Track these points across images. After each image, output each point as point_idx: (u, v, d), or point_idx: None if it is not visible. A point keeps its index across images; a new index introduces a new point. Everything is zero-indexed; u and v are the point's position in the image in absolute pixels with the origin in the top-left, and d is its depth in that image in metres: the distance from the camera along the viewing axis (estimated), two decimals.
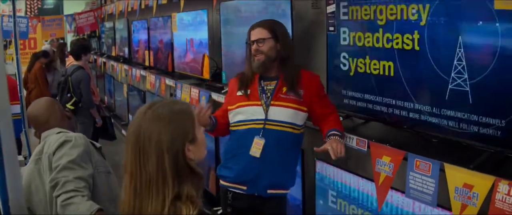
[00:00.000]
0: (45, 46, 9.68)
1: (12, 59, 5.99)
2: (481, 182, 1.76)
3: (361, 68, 2.40)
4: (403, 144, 2.18)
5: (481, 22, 1.77)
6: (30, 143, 3.89)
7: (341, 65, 2.53)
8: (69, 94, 4.90)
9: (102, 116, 5.31)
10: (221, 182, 2.63)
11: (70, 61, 5.59)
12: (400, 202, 2.17)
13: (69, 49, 6.70)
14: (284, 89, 2.50)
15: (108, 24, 9.10)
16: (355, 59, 2.43)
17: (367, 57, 2.35)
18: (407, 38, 2.10)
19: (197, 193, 1.30)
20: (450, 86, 1.92)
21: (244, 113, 2.53)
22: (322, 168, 2.66)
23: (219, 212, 3.72)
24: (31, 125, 2.44)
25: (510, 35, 1.67)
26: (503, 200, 1.67)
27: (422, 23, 2.01)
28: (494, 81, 1.74)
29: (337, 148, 2.28)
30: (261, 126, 2.48)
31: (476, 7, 1.79)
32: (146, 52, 6.37)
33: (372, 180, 2.30)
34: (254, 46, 2.50)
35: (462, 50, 1.85)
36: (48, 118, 2.31)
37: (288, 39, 2.60)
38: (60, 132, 2.24)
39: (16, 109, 4.14)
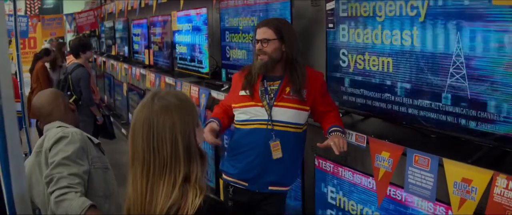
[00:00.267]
0: (45, 45, 9.70)
1: (12, 58, 5.99)
2: (479, 176, 1.77)
3: (360, 64, 2.41)
4: (402, 140, 2.19)
5: (479, 18, 1.78)
6: (30, 140, 3.90)
7: (340, 62, 2.55)
8: (69, 92, 4.90)
9: (102, 115, 5.31)
10: (224, 176, 2.65)
11: (71, 59, 5.60)
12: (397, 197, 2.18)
13: (68, 49, 6.71)
14: (288, 89, 2.49)
15: (107, 23, 9.11)
16: (354, 56, 2.45)
17: (366, 53, 2.36)
18: (406, 34, 2.11)
19: (202, 170, 1.40)
20: (448, 81, 1.93)
21: (247, 113, 2.53)
22: (322, 164, 2.68)
23: None
24: (34, 117, 2.43)
25: (508, 31, 1.68)
26: (502, 194, 1.69)
27: (421, 19, 2.03)
28: (492, 77, 1.76)
29: (339, 143, 2.30)
30: (265, 126, 2.48)
31: (475, 3, 1.80)
32: (146, 51, 6.38)
33: (371, 176, 2.31)
34: (258, 45, 2.48)
35: (460, 45, 1.86)
36: (51, 111, 2.31)
37: (294, 39, 2.51)
38: (60, 127, 2.25)
39: (17, 106, 4.16)
